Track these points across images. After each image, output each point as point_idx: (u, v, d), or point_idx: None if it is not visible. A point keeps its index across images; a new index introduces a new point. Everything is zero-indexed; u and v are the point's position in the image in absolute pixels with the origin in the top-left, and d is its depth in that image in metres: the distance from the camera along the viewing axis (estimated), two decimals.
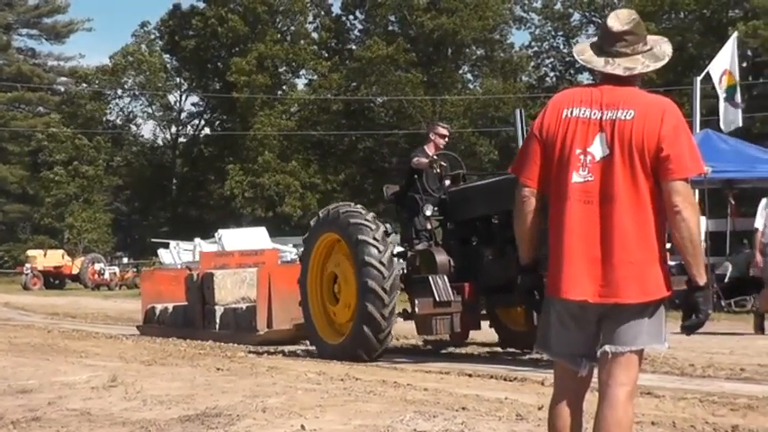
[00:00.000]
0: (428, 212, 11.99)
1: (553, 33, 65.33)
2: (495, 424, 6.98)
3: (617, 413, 4.28)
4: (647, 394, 8.02)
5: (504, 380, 9.57)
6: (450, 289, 10.88)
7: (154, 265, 43.50)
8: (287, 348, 13.44)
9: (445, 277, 11.01)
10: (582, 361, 4.39)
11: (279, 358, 12.19)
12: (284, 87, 67.30)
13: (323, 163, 62.89)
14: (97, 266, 48.94)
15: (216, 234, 32.25)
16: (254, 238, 31.15)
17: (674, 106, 4.35)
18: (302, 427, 7.08)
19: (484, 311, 11.81)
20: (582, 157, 4.31)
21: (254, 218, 56.80)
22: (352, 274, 11.80)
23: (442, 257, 11.43)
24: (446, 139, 12.85)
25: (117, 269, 50.75)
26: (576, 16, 64.18)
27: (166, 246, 37.61)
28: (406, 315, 11.71)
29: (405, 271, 12.13)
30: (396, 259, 11.89)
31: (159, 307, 17.33)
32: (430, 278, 10.98)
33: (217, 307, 15.70)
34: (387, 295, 11.33)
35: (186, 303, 16.56)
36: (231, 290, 15.94)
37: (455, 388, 9.00)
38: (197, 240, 34.54)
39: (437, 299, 10.81)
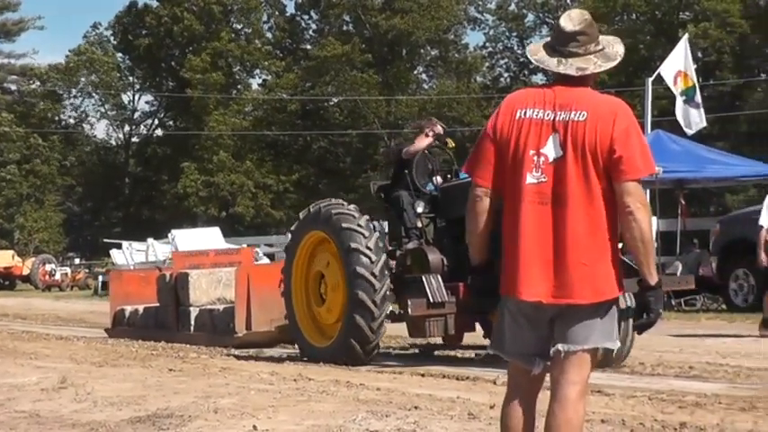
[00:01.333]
0: (419, 209, 11.39)
1: (507, 34, 65.51)
2: (448, 423, 7.00)
3: (568, 411, 4.31)
4: (598, 392, 8.07)
5: (457, 379, 9.57)
6: (444, 289, 10.18)
7: (106, 265, 43.10)
8: (238, 351, 13.28)
9: (439, 277, 10.36)
10: (535, 360, 4.41)
11: (231, 359, 12.13)
12: (239, 87, 67.03)
13: (277, 163, 62.71)
14: (48, 267, 48.32)
15: (169, 234, 32.00)
16: (207, 238, 30.89)
17: (627, 108, 4.38)
18: (254, 427, 7.06)
19: None
20: (535, 158, 4.32)
21: (208, 218, 56.51)
22: (341, 279, 11.27)
23: (434, 256, 10.84)
24: (433, 135, 12.07)
25: (68, 270, 50.16)
26: (530, 17, 64.45)
27: (119, 246, 37.21)
28: (394, 317, 11.24)
29: (393, 270, 11.30)
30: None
31: (129, 309, 16.70)
32: (423, 278, 10.34)
33: (191, 308, 15.09)
34: (377, 308, 10.78)
35: (158, 305, 15.91)
36: (206, 290, 15.35)
37: (408, 387, 9.00)
38: (150, 241, 34.28)
39: (431, 300, 10.13)
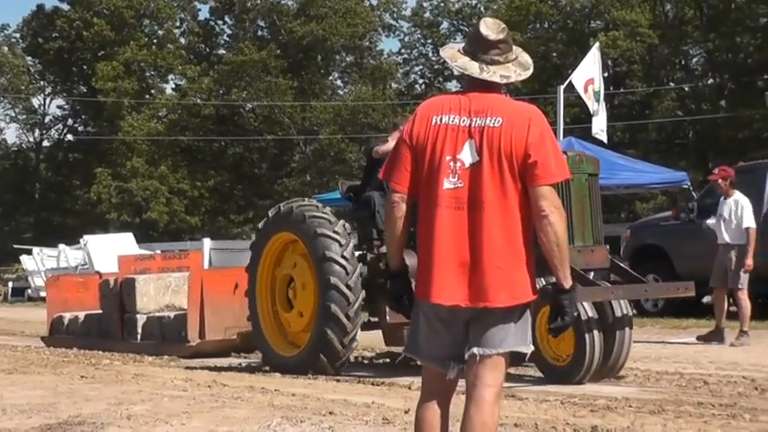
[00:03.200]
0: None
1: (422, 41, 65.79)
2: (362, 428, 7.01)
3: (483, 414, 4.33)
4: (512, 397, 8.14)
5: (372, 384, 9.60)
6: None
7: (16, 272, 42.43)
8: (150, 358, 13.08)
9: None
10: (450, 364, 4.42)
11: (145, 365, 12.00)
12: (152, 91, 66.34)
13: (191, 168, 62.22)
14: None
15: (81, 240, 31.65)
16: (120, 244, 30.60)
17: (540, 114, 4.43)
18: None
19: None
20: (452, 163, 4.35)
21: (121, 224, 55.80)
22: (310, 274, 10.60)
23: (412, 260, 9.97)
24: None
25: None
26: (445, 24, 64.77)
27: (29, 252, 36.68)
28: (365, 325, 10.71)
29: (364, 275, 10.52)
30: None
31: (68, 316, 15.85)
32: None
33: (138, 315, 14.28)
34: (349, 322, 10.15)
35: (101, 312, 15.04)
36: (154, 297, 14.55)
37: (323, 393, 9.00)
38: (61, 246, 33.88)
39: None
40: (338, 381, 9.97)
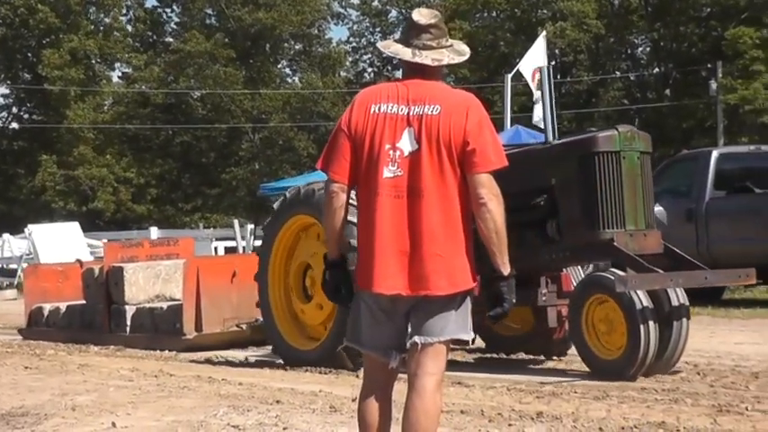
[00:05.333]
0: None
1: (371, 29, 65.65)
2: (309, 416, 7.01)
3: (425, 402, 4.34)
4: (458, 384, 8.17)
5: (319, 373, 9.59)
6: None
7: None
8: (97, 347, 12.86)
9: None
10: (392, 353, 4.43)
11: (90, 355, 11.91)
12: (99, 80, 65.64)
13: (138, 157, 61.70)
14: None
15: (26, 229, 31.23)
16: (66, 233, 30.27)
17: (478, 102, 4.44)
18: (113, 424, 6.97)
19: None
20: (391, 152, 4.35)
21: (67, 213, 55.16)
22: None
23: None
24: None
25: None
26: (394, 13, 64.63)
27: None
28: None
29: None
30: None
31: (48, 307, 14.88)
32: None
33: (127, 306, 13.37)
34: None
35: (84, 303, 14.21)
36: (144, 287, 13.65)
37: (270, 382, 9.00)
38: (6, 236, 33.43)
39: None
40: (285, 370, 9.95)
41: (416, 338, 4.36)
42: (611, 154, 8.52)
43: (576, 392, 7.76)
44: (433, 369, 4.37)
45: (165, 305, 13.25)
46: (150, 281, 13.75)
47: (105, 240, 32.29)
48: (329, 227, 4.55)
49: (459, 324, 4.41)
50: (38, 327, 14.97)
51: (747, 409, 6.90)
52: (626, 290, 8.04)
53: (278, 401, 7.64)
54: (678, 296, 8.47)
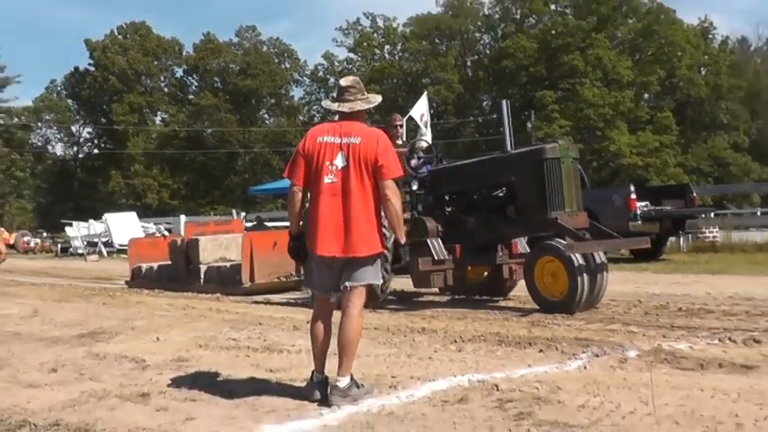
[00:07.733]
0: (414, 187, 9.04)
1: (318, 90, 65.54)
2: (280, 333, 6.96)
3: (352, 322, 4.31)
4: (374, 312, 8.08)
5: (287, 305, 9.48)
6: (444, 250, 8.25)
7: (63, 237, 40.54)
8: (147, 291, 12.45)
9: (440, 240, 8.31)
10: (332, 293, 4.39)
11: (144, 296, 11.60)
12: (147, 123, 64.35)
13: (173, 171, 60.52)
14: (26, 238, 45.08)
15: (103, 217, 30.46)
16: (128, 219, 29.69)
17: (384, 134, 4.42)
18: (157, 338, 6.85)
19: None
20: (330, 166, 4.29)
21: (128, 206, 53.56)
22: None
23: (431, 224, 8.44)
24: (402, 127, 10.04)
25: (39, 240, 46.94)
26: (332, 80, 64.46)
27: (70, 225, 35.13)
28: (398, 270, 8.69)
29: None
30: None
31: (145, 266, 13.74)
32: (428, 241, 8.19)
33: (201, 265, 12.52)
34: (389, 253, 8.21)
35: (170, 263, 13.16)
36: (212, 252, 12.88)
37: (256, 311, 8.88)
38: (90, 221, 32.55)
39: (435, 258, 8.13)
40: (266, 303, 9.82)
41: (347, 283, 4.33)
42: (554, 159, 7.85)
43: (446, 315, 7.70)
44: (357, 302, 4.35)
45: (227, 264, 12.49)
46: (215, 248, 13.15)
47: (153, 223, 31.60)
48: (291, 213, 4.46)
49: (373, 275, 4.40)
50: (138, 279, 14.00)
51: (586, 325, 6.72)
52: (571, 253, 7.41)
53: (260, 323, 7.55)
54: (601, 257, 7.72)
